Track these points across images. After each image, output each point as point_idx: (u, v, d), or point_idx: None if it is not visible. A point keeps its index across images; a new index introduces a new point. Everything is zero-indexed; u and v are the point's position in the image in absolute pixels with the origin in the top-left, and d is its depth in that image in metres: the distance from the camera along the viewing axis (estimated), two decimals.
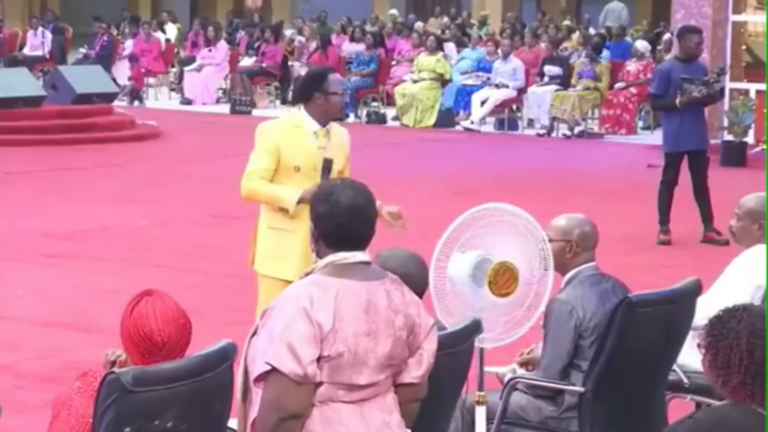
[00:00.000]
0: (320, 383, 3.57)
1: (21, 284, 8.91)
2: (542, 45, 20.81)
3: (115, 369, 3.62)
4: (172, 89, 23.78)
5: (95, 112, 17.98)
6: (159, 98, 23.35)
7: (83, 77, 18.79)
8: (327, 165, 5.93)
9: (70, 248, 10.19)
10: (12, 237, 10.59)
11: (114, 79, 21.48)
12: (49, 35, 24.91)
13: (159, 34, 25.38)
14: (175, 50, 25.62)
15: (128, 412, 3.47)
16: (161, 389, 3.53)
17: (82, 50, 25.10)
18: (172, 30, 27.47)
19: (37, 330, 7.79)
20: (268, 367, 3.51)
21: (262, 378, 3.55)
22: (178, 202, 12.45)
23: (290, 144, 5.85)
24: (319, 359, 3.54)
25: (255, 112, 21.14)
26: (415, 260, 4.46)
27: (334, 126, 6.02)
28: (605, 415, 4.79)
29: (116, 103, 19.45)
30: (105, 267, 9.47)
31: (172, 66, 24.66)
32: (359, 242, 3.69)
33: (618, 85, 18.83)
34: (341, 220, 3.65)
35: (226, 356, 3.72)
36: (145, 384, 3.48)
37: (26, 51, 24.84)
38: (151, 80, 23.73)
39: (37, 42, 24.72)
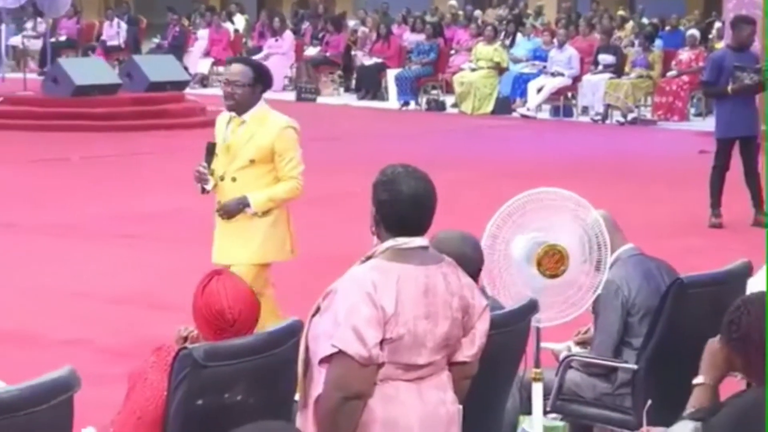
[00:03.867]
0: (382, 364, 3.64)
1: (96, 264, 9.09)
2: (596, 34, 20.91)
3: (187, 344, 3.70)
4: None
5: (167, 100, 18.30)
6: None
7: (156, 66, 19.10)
8: (209, 148, 5.99)
9: (142, 229, 10.34)
10: (87, 218, 10.79)
11: (186, 68, 21.93)
12: (123, 26, 25.37)
13: (228, 25, 25.77)
14: (243, 40, 25.91)
15: (200, 385, 3.55)
16: (231, 364, 3.62)
17: (155, 40, 25.57)
18: (240, 21, 27.69)
19: (112, 307, 7.94)
20: (335, 350, 3.56)
21: (327, 360, 3.60)
22: None
23: None
24: (381, 341, 3.60)
25: (319, 99, 21.49)
26: (470, 241, 4.48)
27: (255, 117, 5.98)
28: (658, 391, 4.72)
29: (187, 90, 19.87)
30: (176, 247, 9.60)
31: (240, 55, 25.24)
32: (418, 230, 3.72)
33: (670, 73, 18.95)
34: (402, 209, 3.68)
35: (293, 333, 3.78)
36: (215, 359, 3.57)
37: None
38: (220, 69, 24.35)
39: (113, 32, 25.20)
